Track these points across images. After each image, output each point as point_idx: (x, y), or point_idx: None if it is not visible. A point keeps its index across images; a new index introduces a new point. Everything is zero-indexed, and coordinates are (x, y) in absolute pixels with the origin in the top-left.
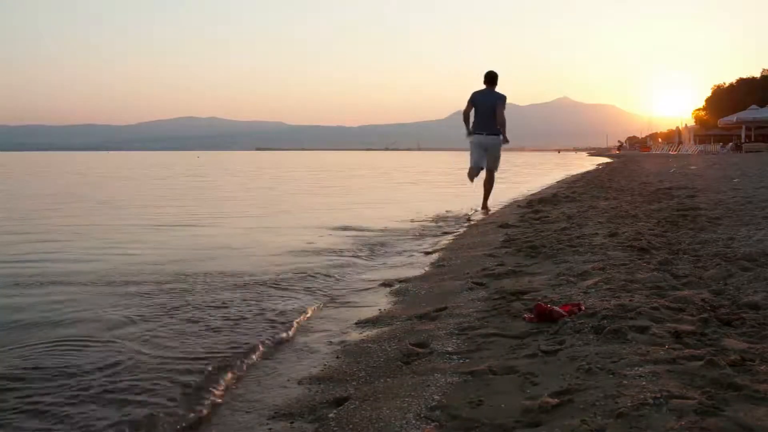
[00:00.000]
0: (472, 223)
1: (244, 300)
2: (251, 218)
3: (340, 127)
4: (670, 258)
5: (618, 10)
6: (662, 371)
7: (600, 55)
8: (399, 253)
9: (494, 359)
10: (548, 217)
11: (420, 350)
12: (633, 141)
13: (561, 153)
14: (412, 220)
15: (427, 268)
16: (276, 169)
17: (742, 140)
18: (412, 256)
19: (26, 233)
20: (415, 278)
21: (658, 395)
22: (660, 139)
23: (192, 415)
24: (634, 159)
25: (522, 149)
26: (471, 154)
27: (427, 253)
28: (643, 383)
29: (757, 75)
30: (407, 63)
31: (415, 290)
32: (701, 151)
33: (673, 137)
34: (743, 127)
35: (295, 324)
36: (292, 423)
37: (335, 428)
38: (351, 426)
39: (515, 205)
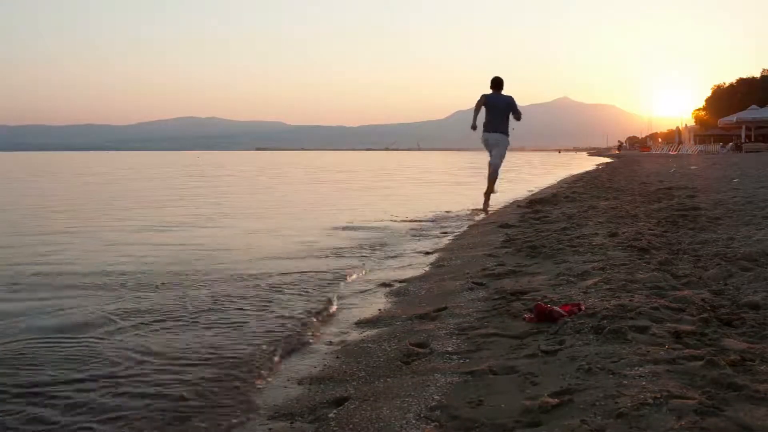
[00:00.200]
0: (472, 223)
1: (244, 300)
2: (251, 219)
3: (340, 127)
4: (670, 258)
5: (618, 10)
6: (662, 371)
7: (600, 55)
8: (399, 253)
9: (494, 359)
10: (548, 217)
11: (420, 350)
12: (633, 141)
13: (561, 153)
14: (412, 220)
15: (427, 268)
16: (276, 169)
17: (742, 140)
18: (412, 256)
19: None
20: (415, 278)
21: (658, 395)
22: (660, 139)
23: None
24: (634, 159)
25: (522, 149)
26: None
27: (427, 253)
28: (643, 383)
29: (757, 75)
30: (407, 63)
31: (415, 290)
32: (701, 151)
33: (673, 137)
34: (743, 127)
35: (295, 324)
36: (292, 423)
37: (335, 428)
38: (351, 426)
39: (515, 205)
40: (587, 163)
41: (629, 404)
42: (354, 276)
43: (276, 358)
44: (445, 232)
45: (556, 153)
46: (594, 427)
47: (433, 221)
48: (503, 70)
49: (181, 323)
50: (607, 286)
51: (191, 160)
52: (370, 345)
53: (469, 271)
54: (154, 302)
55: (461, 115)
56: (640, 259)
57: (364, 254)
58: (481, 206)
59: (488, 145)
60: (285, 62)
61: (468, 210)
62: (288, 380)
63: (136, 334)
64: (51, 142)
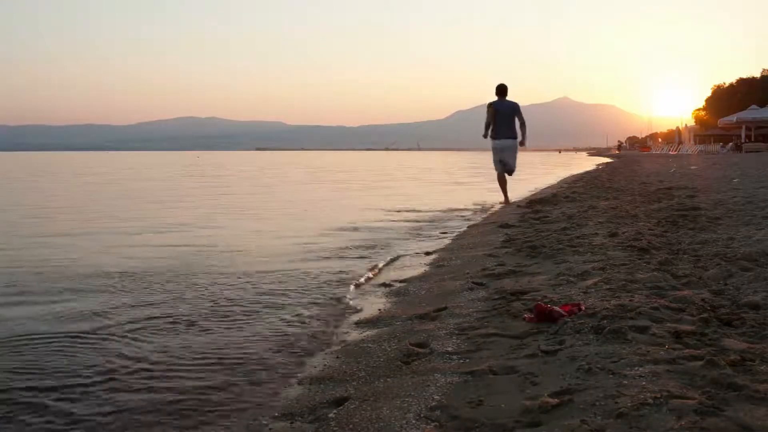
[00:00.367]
0: (472, 223)
1: (244, 301)
2: (251, 219)
3: (340, 127)
4: (670, 258)
5: (618, 10)
6: (662, 371)
7: (600, 55)
8: (399, 253)
9: (494, 359)
10: (548, 217)
11: (420, 350)
12: (633, 141)
13: (562, 153)
14: (413, 220)
15: (427, 268)
16: (277, 169)
17: (742, 140)
18: (412, 256)
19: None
20: (415, 278)
21: (658, 395)
22: (660, 139)
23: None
24: (634, 159)
25: (523, 149)
26: (495, 162)
27: (427, 253)
28: (643, 383)
29: (757, 75)
30: (407, 63)
31: (415, 290)
32: (701, 151)
33: (673, 137)
34: (743, 127)
35: (295, 324)
36: (292, 423)
37: (335, 428)
38: (351, 426)
39: (515, 205)
40: (587, 163)
41: (629, 404)
42: (354, 276)
43: (276, 359)
44: (445, 232)
45: (557, 153)
46: (594, 427)
47: (433, 221)
48: (503, 70)
49: (179, 324)
50: (607, 286)
51: (191, 160)
52: (370, 345)
53: (469, 271)
54: (153, 304)
55: (461, 115)
56: (640, 259)
57: (364, 254)
58: (502, 200)
59: (501, 152)
60: (285, 62)
61: (469, 210)
62: (288, 380)
63: (136, 336)
64: (51, 142)
